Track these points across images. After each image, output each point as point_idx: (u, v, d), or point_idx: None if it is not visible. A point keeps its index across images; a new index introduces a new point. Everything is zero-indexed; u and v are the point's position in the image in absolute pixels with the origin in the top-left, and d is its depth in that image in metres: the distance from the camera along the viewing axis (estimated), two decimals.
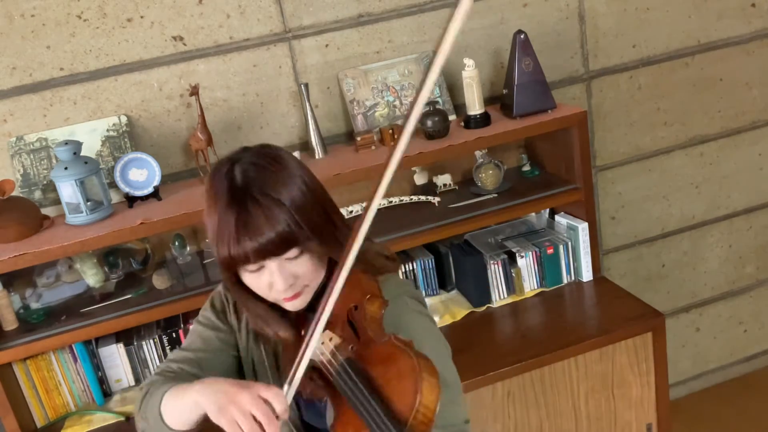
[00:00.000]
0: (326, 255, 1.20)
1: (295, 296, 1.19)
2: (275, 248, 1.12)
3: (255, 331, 1.31)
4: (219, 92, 2.17)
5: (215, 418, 1.04)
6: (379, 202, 1.02)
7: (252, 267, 1.15)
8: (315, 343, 1.09)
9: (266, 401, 1.03)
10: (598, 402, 2.05)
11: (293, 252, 1.15)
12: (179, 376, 1.27)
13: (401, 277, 2.02)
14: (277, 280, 1.15)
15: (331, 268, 1.18)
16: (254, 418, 1.01)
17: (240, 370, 1.38)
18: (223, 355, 1.34)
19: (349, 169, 1.96)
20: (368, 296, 1.15)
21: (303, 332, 1.21)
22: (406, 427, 1.00)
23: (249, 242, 1.11)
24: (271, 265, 1.14)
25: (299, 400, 1.33)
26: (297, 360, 1.09)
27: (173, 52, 2.11)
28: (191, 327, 1.39)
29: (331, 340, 1.14)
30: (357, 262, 1.07)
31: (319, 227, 1.16)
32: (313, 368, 1.15)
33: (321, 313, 1.08)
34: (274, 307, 1.24)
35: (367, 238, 1.22)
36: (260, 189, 1.13)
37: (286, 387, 1.09)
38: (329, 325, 1.14)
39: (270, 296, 1.19)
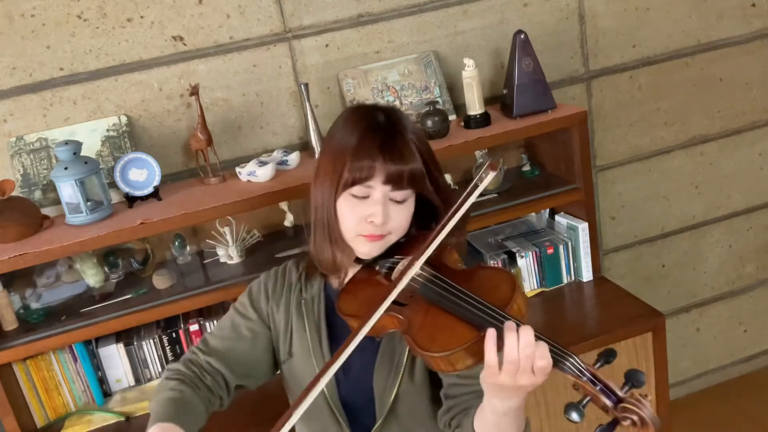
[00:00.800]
0: (411, 220, 1.28)
1: (379, 237, 1.24)
2: (400, 179, 1.21)
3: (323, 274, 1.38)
4: (219, 92, 2.17)
5: None
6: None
7: (361, 192, 1.21)
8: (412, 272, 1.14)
9: None
10: None
11: (405, 194, 1.24)
12: (188, 384, 1.30)
13: None
14: (378, 211, 1.21)
15: (411, 240, 1.29)
16: None
17: (273, 356, 1.42)
18: (250, 343, 1.39)
19: None
20: (447, 248, 1.26)
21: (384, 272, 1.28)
22: (505, 310, 1.05)
23: (383, 163, 1.19)
24: (379, 195, 1.21)
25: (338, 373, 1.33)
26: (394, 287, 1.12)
27: (173, 52, 2.11)
28: (230, 309, 1.46)
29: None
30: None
31: (434, 189, 1.28)
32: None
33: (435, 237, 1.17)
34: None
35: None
36: (407, 128, 1.26)
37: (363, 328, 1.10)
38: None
39: (356, 228, 1.24)
